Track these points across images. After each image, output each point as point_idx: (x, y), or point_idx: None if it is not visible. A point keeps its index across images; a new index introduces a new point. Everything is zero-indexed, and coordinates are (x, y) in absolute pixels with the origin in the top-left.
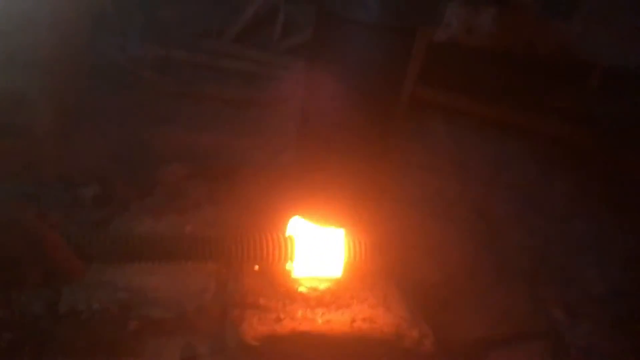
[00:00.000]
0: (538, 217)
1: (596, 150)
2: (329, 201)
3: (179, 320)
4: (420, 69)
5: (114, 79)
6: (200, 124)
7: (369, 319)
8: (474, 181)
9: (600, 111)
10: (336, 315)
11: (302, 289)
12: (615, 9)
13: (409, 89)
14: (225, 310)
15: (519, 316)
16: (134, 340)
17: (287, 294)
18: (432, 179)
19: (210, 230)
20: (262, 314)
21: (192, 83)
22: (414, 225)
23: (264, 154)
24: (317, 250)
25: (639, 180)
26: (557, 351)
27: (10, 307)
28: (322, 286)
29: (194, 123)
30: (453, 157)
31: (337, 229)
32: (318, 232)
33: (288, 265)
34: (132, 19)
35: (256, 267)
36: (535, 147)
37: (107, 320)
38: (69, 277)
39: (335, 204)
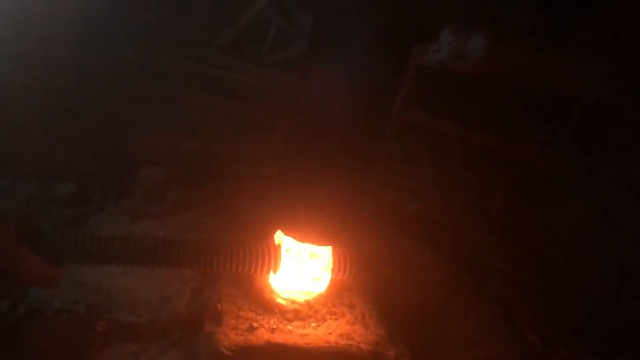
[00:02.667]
0: (516, 245)
1: (578, 183)
2: (311, 218)
3: (150, 326)
4: (408, 91)
5: (100, 81)
6: (184, 130)
7: (347, 335)
8: (455, 205)
9: (579, 147)
10: (313, 330)
11: (279, 300)
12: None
13: (397, 107)
14: (199, 318)
15: (496, 343)
16: (101, 343)
17: (264, 305)
18: (413, 200)
19: (188, 236)
20: (237, 324)
21: (179, 89)
22: (393, 244)
23: (247, 163)
24: (300, 263)
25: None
26: None
27: None
28: (300, 299)
29: (178, 128)
30: (435, 180)
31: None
32: (302, 246)
33: (269, 277)
34: (122, 23)
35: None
36: (517, 175)
37: (74, 321)
38: (43, 286)
39: (317, 221)
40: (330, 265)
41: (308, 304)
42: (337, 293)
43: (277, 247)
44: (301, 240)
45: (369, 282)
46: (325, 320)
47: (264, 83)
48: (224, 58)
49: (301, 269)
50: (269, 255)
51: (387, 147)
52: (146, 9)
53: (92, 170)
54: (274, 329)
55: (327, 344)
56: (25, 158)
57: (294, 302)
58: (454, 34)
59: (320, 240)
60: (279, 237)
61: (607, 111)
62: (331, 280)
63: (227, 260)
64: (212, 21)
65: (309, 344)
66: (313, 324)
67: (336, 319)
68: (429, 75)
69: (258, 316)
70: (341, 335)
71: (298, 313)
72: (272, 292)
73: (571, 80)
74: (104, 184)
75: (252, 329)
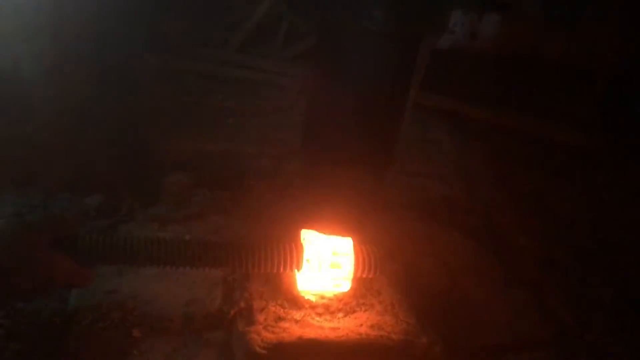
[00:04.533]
0: (544, 223)
1: (603, 156)
2: (334, 209)
3: (184, 328)
4: (424, 75)
5: (119, 88)
6: (204, 133)
7: (377, 326)
8: (478, 187)
9: (606, 117)
10: (344, 322)
11: (308, 296)
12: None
13: (413, 96)
14: (232, 318)
15: (527, 323)
16: (138, 348)
17: (294, 301)
18: (436, 186)
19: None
20: (269, 322)
21: (196, 92)
22: (419, 231)
23: (269, 162)
24: (326, 261)
25: None
26: (567, 357)
27: (17, 317)
28: (329, 293)
29: (198, 131)
30: (457, 164)
31: (344, 238)
32: (328, 242)
33: (297, 274)
34: (136, 29)
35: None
36: (540, 153)
37: (110, 328)
38: (76, 286)
39: (340, 212)
40: (353, 266)
41: (337, 298)
42: (365, 284)
43: (300, 246)
44: (323, 232)
45: (396, 270)
46: (355, 312)
47: (280, 79)
48: (239, 57)
49: (322, 276)
50: (294, 253)
51: (407, 134)
52: (158, 15)
53: (118, 180)
54: (305, 324)
55: (359, 336)
56: (54, 173)
57: (323, 297)
58: (467, 14)
59: (341, 231)
60: (304, 234)
61: (629, 82)
62: (354, 279)
63: (255, 260)
64: (225, 21)
65: (340, 337)
66: (343, 317)
67: (365, 310)
68: (445, 57)
69: (289, 312)
70: (372, 326)
71: (328, 307)
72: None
73: (587, 54)
74: (130, 193)
75: (284, 326)
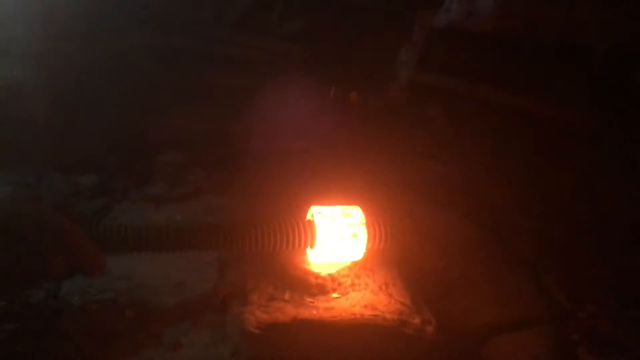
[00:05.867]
0: (541, 201)
1: (601, 135)
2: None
3: (178, 309)
4: (421, 54)
5: (111, 68)
6: (198, 111)
7: (371, 305)
8: (476, 167)
9: (599, 98)
10: (338, 302)
11: (303, 275)
12: None
13: (409, 74)
14: (226, 298)
15: (522, 302)
16: (132, 329)
17: (288, 281)
18: (433, 165)
19: (212, 218)
20: (263, 302)
21: (190, 70)
22: (416, 210)
23: (264, 141)
24: (333, 236)
25: None
26: (561, 336)
27: (11, 298)
28: (324, 273)
29: (192, 110)
30: (454, 143)
31: (353, 208)
32: (339, 215)
33: (303, 252)
34: (129, 7)
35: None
36: (537, 132)
37: (103, 309)
38: (92, 271)
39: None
40: (365, 234)
41: (331, 277)
42: (360, 264)
43: (311, 222)
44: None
45: (392, 250)
46: (349, 292)
47: (275, 57)
48: (233, 35)
49: (336, 236)
50: (304, 231)
51: (402, 114)
52: None
53: (113, 160)
54: (299, 304)
55: (353, 316)
56: (47, 154)
57: (317, 277)
58: None
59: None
60: (310, 212)
61: (627, 60)
62: (366, 250)
63: (266, 239)
64: None
65: (334, 317)
66: (337, 296)
67: (360, 290)
68: (441, 36)
69: (283, 293)
70: (366, 306)
71: (322, 287)
72: (295, 268)
73: (586, 31)
74: (124, 173)
75: (278, 306)
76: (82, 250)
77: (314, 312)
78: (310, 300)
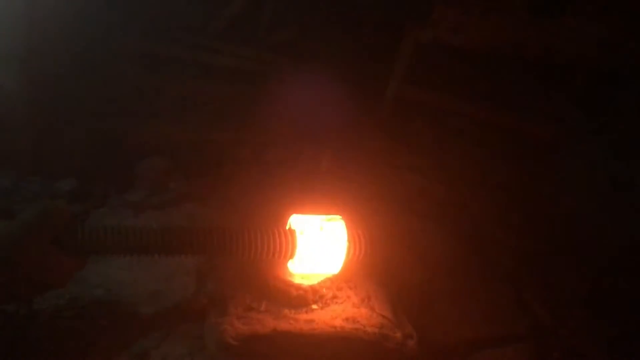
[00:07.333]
0: (522, 217)
1: (583, 152)
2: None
3: (155, 318)
4: (406, 69)
5: (95, 73)
6: (182, 119)
7: (352, 319)
8: (458, 182)
9: (581, 115)
10: (319, 315)
11: (284, 286)
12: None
13: (394, 88)
14: (204, 308)
15: (504, 317)
16: (105, 337)
17: (269, 292)
18: (416, 179)
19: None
20: (242, 313)
21: (176, 78)
22: (398, 223)
23: (247, 149)
24: (314, 246)
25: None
26: (541, 353)
27: None
28: (305, 284)
29: (177, 117)
30: (438, 157)
31: (335, 218)
32: (320, 226)
33: (283, 263)
34: (115, 13)
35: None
36: (520, 147)
37: (78, 317)
38: (56, 286)
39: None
40: (345, 245)
41: (313, 289)
42: (341, 276)
43: (293, 232)
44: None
45: (374, 263)
46: (330, 305)
47: (261, 66)
48: (219, 43)
49: (316, 247)
50: (286, 240)
51: (385, 127)
52: None
53: (93, 166)
54: (279, 316)
55: (333, 329)
56: (25, 157)
57: (298, 289)
58: (449, 8)
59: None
60: (291, 222)
61: (609, 77)
62: (345, 262)
63: (246, 247)
64: (205, 6)
65: (314, 330)
66: (318, 309)
67: (341, 303)
68: (427, 51)
69: (263, 304)
70: (347, 319)
71: (303, 299)
72: (276, 278)
73: (570, 48)
74: (104, 178)
75: (257, 317)
76: (40, 271)
77: (294, 324)
78: (290, 312)
